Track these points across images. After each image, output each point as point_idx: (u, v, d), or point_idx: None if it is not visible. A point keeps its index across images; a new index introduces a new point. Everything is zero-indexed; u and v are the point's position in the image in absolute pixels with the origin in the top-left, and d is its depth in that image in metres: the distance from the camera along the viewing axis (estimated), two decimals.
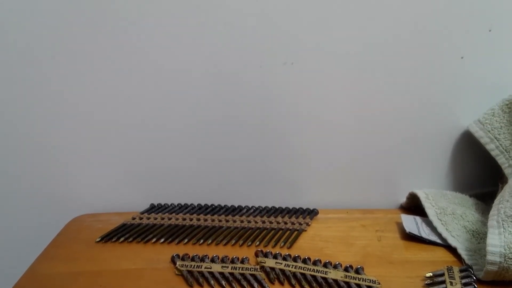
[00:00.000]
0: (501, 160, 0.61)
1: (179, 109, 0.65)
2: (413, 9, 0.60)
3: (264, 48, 0.61)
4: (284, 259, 0.54)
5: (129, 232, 0.62)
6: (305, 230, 0.63)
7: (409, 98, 0.65)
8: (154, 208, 0.69)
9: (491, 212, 0.53)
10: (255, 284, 0.50)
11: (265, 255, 0.55)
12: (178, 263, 0.53)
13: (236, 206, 0.70)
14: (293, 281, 0.50)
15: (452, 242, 0.57)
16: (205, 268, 0.52)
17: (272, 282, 0.50)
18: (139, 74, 0.62)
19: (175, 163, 0.68)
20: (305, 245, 0.59)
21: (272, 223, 0.64)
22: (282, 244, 0.59)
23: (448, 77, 0.64)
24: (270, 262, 0.53)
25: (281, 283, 0.50)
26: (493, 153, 0.62)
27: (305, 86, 0.63)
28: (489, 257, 0.48)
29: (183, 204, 0.70)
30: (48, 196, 0.69)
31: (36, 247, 0.58)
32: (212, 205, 0.70)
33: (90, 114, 0.64)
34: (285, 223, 0.64)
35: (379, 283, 0.49)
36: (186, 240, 0.60)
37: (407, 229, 0.60)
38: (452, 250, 0.57)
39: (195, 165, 0.68)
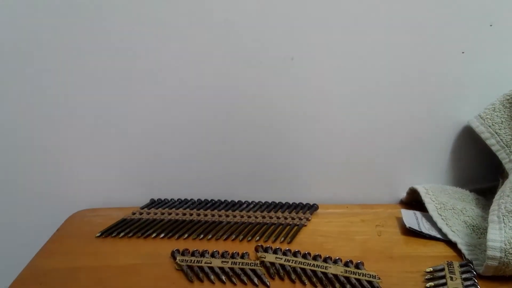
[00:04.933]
0: (501, 155, 0.61)
1: (179, 105, 0.64)
2: (414, 4, 0.59)
3: (263, 43, 0.61)
4: (284, 254, 0.54)
5: (129, 227, 0.62)
6: (305, 225, 0.63)
7: (409, 93, 0.64)
8: (154, 203, 0.69)
9: (492, 207, 0.53)
10: (255, 279, 0.50)
11: (265, 250, 0.55)
12: (178, 258, 0.53)
13: (236, 201, 0.70)
14: (293, 276, 0.50)
15: (452, 237, 0.57)
16: (205, 263, 0.52)
17: (272, 277, 0.50)
18: (138, 71, 0.62)
19: (175, 158, 0.68)
20: (305, 240, 0.59)
21: (272, 218, 0.64)
22: (282, 239, 0.59)
23: (449, 72, 0.63)
24: (270, 257, 0.53)
25: (281, 278, 0.50)
26: (493, 148, 0.62)
27: (305, 81, 0.63)
28: (490, 252, 0.48)
29: (183, 199, 0.70)
30: (48, 191, 0.68)
31: (36, 242, 0.58)
32: (212, 200, 0.70)
33: (90, 110, 0.64)
34: (285, 218, 0.64)
35: (379, 278, 0.49)
36: (186, 235, 0.60)
37: (407, 224, 0.60)
38: (452, 245, 0.57)
39: (195, 160, 0.68)
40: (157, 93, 0.64)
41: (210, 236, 0.60)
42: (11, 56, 0.60)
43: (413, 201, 0.68)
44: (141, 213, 0.66)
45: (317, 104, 0.65)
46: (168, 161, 0.68)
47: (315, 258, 0.53)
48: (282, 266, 0.52)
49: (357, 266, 0.51)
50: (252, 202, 0.69)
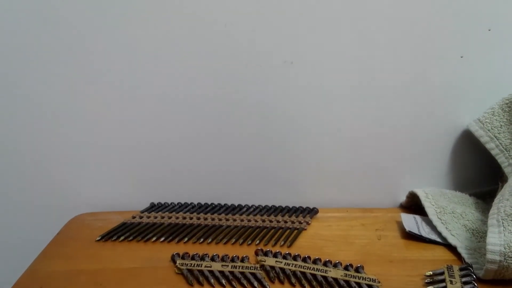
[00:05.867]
0: (501, 159, 0.61)
1: (179, 108, 0.65)
2: (412, 8, 0.60)
3: (263, 47, 0.61)
4: (284, 258, 0.54)
5: (129, 231, 0.62)
6: (305, 229, 0.63)
7: (408, 97, 0.65)
8: (154, 207, 0.69)
9: (491, 211, 0.53)
10: (255, 283, 0.50)
11: (265, 254, 0.55)
12: (178, 262, 0.53)
13: (236, 205, 0.70)
14: (293, 280, 0.50)
15: (452, 241, 0.57)
16: (205, 266, 0.52)
17: (272, 281, 0.50)
18: (139, 74, 0.62)
19: (175, 162, 0.68)
20: (305, 244, 0.59)
21: (272, 222, 0.64)
22: (282, 243, 0.59)
23: (447, 76, 0.64)
24: (270, 261, 0.53)
25: (281, 282, 0.50)
26: (493, 152, 0.62)
27: (305, 85, 0.63)
28: (489, 256, 0.48)
29: (183, 203, 0.70)
30: (48, 195, 0.69)
31: (36, 245, 0.58)
32: (212, 204, 0.70)
33: (90, 113, 0.64)
34: (285, 222, 0.64)
35: (379, 282, 0.49)
36: (186, 239, 0.60)
37: (407, 228, 0.60)
38: (452, 249, 0.57)
39: (195, 164, 0.68)
40: (157, 97, 0.64)
41: (210, 240, 0.60)
42: (11, 57, 0.61)
43: (413, 205, 0.68)
44: (141, 217, 0.66)
45: (317, 107, 0.65)
46: (168, 165, 0.68)
47: (315, 261, 0.53)
48: (282, 269, 0.52)
49: (357, 269, 0.51)
50: (252, 206, 0.69)
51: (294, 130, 0.66)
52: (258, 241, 0.59)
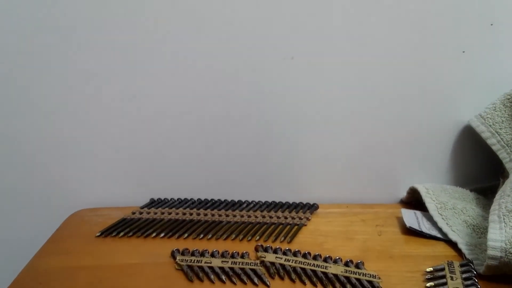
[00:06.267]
0: (502, 154, 0.61)
1: (179, 105, 0.64)
2: (414, 3, 0.59)
3: (263, 43, 0.61)
4: (284, 253, 0.54)
5: (129, 226, 0.62)
6: (305, 225, 0.63)
7: (410, 93, 0.64)
8: (154, 203, 0.69)
9: (492, 207, 0.53)
10: (255, 279, 0.50)
11: (265, 249, 0.55)
12: (178, 257, 0.53)
13: (236, 200, 0.70)
14: (293, 276, 0.50)
15: (453, 236, 0.57)
16: (205, 262, 0.52)
17: (272, 277, 0.50)
18: (138, 71, 0.62)
19: (175, 158, 0.68)
20: (305, 240, 0.59)
21: (272, 217, 0.64)
22: (282, 238, 0.59)
23: (449, 72, 0.63)
24: (270, 257, 0.53)
25: (281, 278, 0.50)
26: (494, 148, 0.62)
27: (305, 81, 0.63)
28: (490, 252, 0.48)
29: (183, 198, 0.70)
30: (48, 191, 0.68)
31: (35, 242, 0.58)
32: (212, 199, 0.70)
33: (90, 109, 0.64)
34: (285, 217, 0.64)
35: (380, 278, 0.49)
36: (186, 235, 0.60)
37: (408, 224, 0.60)
38: (453, 245, 0.57)
39: (195, 160, 0.68)
40: (158, 93, 0.64)
41: (210, 236, 0.60)
42: (11, 57, 0.60)
43: (414, 200, 0.68)
44: (141, 213, 0.66)
45: (318, 103, 0.65)
46: (168, 161, 0.68)
47: (315, 257, 0.53)
48: (282, 265, 0.52)
49: (357, 265, 0.51)
50: (252, 201, 0.69)
51: (294, 126, 0.66)
52: (258, 237, 0.59)
